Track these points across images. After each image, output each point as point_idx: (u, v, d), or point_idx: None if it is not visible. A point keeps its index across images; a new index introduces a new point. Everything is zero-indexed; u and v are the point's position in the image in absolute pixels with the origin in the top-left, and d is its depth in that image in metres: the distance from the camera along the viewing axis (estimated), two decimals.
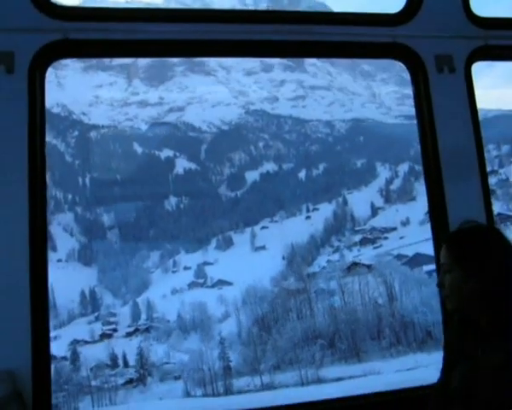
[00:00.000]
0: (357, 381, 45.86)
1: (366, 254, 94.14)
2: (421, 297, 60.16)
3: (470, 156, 4.59)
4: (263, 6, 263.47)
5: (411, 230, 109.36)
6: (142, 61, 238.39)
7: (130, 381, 65.21)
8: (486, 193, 4.55)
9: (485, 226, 3.90)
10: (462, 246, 3.25)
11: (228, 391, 52.19)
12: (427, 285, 60.78)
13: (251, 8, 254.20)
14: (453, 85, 4.67)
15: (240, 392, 50.44)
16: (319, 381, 50.50)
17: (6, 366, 3.60)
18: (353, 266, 78.76)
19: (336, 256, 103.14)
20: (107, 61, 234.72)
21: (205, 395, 52.45)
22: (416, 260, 76.72)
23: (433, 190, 4.54)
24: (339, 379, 47.39)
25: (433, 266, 72.12)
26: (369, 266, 75.42)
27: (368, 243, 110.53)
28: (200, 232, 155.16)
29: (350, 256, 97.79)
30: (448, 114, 4.61)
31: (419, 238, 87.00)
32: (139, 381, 64.70)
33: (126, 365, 74.01)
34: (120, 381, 64.95)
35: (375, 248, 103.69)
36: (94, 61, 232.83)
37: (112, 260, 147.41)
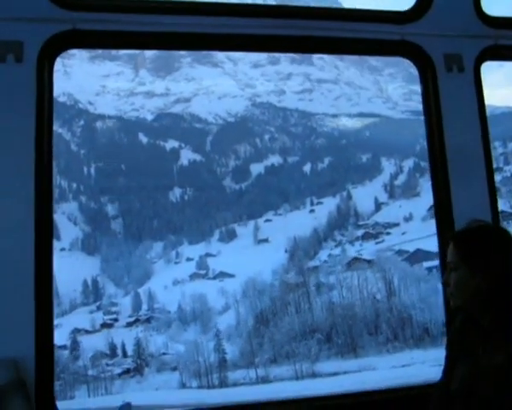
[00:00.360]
0: (352, 376, 46.07)
1: (368, 250, 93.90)
2: (420, 294, 59.96)
3: (477, 155, 4.58)
4: (271, 1, 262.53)
5: (414, 226, 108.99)
6: (150, 52, 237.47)
7: (128, 371, 65.32)
8: (492, 192, 4.56)
9: (492, 225, 3.84)
10: (468, 244, 3.24)
11: (223, 384, 52.18)
12: (425, 282, 60.58)
13: (259, 1, 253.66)
14: (462, 85, 4.65)
15: (235, 385, 50.46)
16: (314, 375, 50.42)
17: (10, 354, 3.64)
18: (354, 261, 78.68)
19: (338, 251, 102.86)
20: (114, 50, 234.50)
21: (200, 386, 52.47)
22: (417, 256, 76.65)
23: (439, 188, 4.55)
24: (334, 374, 47.44)
25: (433, 263, 72.17)
26: (369, 262, 75.27)
27: (370, 238, 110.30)
28: (204, 224, 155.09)
29: (352, 251, 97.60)
30: (456, 113, 4.60)
31: (421, 234, 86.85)
32: (136, 371, 64.78)
33: (125, 355, 74.10)
34: (118, 371, 65.05)
35: (377, 243, 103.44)
36: (101, 50, 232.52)
37: (115, 249, 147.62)
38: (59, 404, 3.96)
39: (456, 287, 3.24)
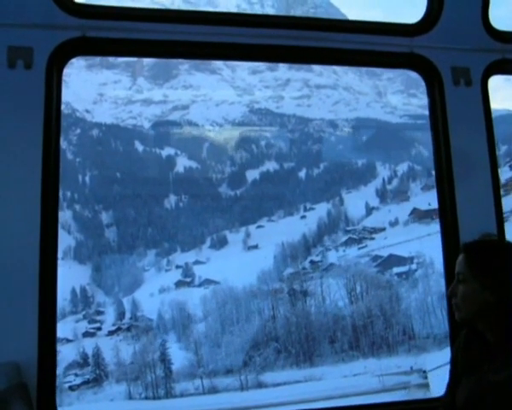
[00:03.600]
0: (298, 386, 45.27)
1: (350, 255, 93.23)
2: (379, 301, 59.20)
3: (484, 170, 4.67)
4: (268, 4, 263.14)
5: (396, 230, 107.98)
6: (147, 59, 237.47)
7: (88, 381, 64.58)
8: (498, 204, 4.60)
9: (505, 241, 3.80)
10: (480, 258, 3.22)
11: (169, 394, 51.51)
12: (384, 289, 59.89)
13: (256, 7, 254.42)
14: (469, 98, 4.73)
15: (182, 396, 49.81)
16: (263, 385, 49.71)
17: (12, 358, 3.72)
18: (330, 267, 78.10)
19: (320, 257, 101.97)
20: (111, 59, 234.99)
21: (147, 397, 51.85)
22: (389, 262, 75.98)
23: (445, 200, 4.60)
24: (279, 384, 46.65)
25: (403, 269, 71.65)
26: (343, 268, 74.70)
27: (353, 244, 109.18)
28: (198, 231, 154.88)
29: (335, 257, 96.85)
30: (463, 126, 4.67)
31: (400, 239, 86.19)
32: (95, 382, 64.02)
33: (93, 365, 73.22)
34: (78, 381, 64.37)
35: (359, 248, 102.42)
36: (98, 58, 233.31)
37: (108, 258, 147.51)
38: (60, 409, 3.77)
39: (463, 299, 3.21)
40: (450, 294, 3.28)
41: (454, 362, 3.44)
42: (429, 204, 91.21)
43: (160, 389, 51.76)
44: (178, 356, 61.09)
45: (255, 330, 60.82)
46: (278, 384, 46.79)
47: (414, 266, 68.35)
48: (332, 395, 34.83)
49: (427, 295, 57.35)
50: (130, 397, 52.14)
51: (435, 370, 33.23)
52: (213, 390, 49.32)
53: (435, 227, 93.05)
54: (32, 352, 3.78)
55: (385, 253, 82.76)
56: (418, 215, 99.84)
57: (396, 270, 68.62)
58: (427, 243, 77.16)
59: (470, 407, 3.16)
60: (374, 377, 41.00)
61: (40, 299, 3.83)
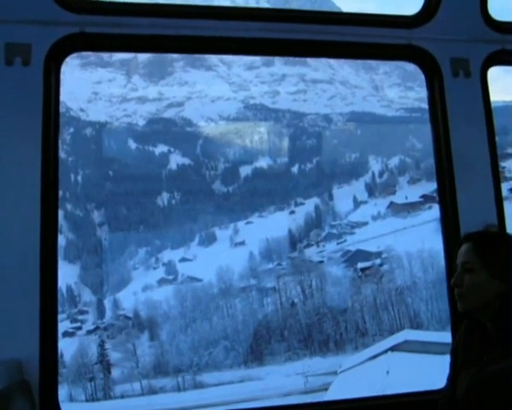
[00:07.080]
0: (234, 387, 44.27)
1: (328, 251, 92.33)
2: (334, 297, 58.19)
3: (483, 160, 4.68)
4: (263, 3, 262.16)
5: (378, 225, 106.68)
6: (142, 57, 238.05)
7: None
8: (499, 197, 4.58)
9: (510, 233, 3.75)
10: (491, 248, 3.29)
11: (107, 396, 50.61)
12: (342, 285, 58.91)
13: (251, 2, 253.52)
14: (468, 90, 4.75)
15: (123, 396, 48.95)
16: (196, 386, 48.76)
17: (14, 356, 3.82)
18: (302, 264, 77.31)
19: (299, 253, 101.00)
20: (106, 57, 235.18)
21: (87, 399, 51.00)
22: (356, 257, 75.10)
23: (445, 194, 4.61)
24: (219, 384, 45.74)
25: (367, 264, 70.57)
26: (318, 263, 74.12)
27: (333, 239, 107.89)
28: (188, 228, 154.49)
29: (313, 252, 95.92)
30: (462, 118, 4.69)
31: (374, 234, 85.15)
32: None
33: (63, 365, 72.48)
34: None
35: (338, 243, 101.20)
36: (93, 57, 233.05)
37: (98, 257, 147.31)
38: (63, 405, 3.97)
39: (470, 289, 3.24)
40: (455, 284, 3.26)
41: (454, 354, 3.45)
42: (406, 197, 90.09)
43: (99, 391, 50.94)
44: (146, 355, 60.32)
45: (215, 329, 60.01)
46: (213, 385, 45.92)
47: (378, 262, 67.45)
48: (257, 397, 33.77)
49: (381, 291, 56.31)
50: (71, 399, 51.35)
51: (344, 372, 32.05)
52: (152, 391, 48.64)
53: (411, 221, 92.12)
54: (33, 349, 3.82)
55: (356, 247, 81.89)
56: (395, 209, 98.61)
57: (360, 265, 67.78)
58: (401, 237, 76.05)
59: (470, 397, 3.17)
60: (304, 377, 39.88)
61: (41, 296, 3.88)
